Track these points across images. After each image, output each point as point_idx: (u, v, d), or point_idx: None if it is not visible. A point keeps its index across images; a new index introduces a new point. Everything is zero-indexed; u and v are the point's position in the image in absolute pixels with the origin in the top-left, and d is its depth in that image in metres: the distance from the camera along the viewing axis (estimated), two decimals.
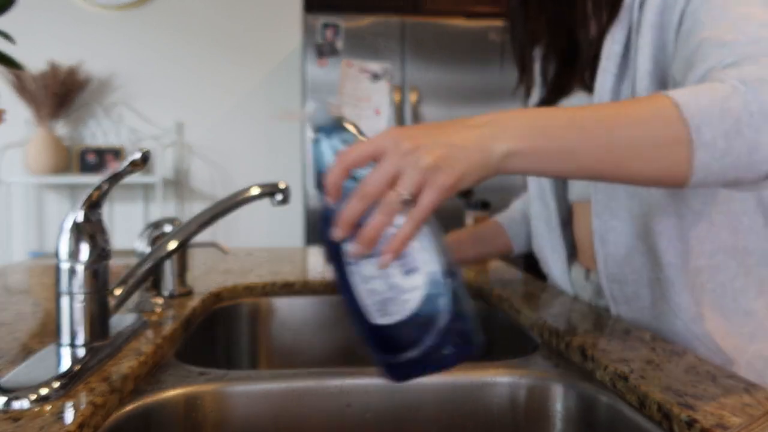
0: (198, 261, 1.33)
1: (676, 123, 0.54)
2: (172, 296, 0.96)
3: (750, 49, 0.60)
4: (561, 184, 0.96)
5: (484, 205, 1.24)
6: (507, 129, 0.54)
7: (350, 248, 0.51)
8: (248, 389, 0.65)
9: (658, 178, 0.57)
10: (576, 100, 0.87)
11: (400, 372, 0.53)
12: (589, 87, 0.82)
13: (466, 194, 0.75)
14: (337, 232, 0.50)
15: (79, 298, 0.64)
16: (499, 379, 0.68)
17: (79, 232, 0.64)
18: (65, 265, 0.64)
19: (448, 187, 0.51)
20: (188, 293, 0.98)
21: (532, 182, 1.00)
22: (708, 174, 0.55)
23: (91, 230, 0.64)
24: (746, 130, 0.54)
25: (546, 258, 1.01)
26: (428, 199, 0.50)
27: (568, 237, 0.96)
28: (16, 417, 0.49)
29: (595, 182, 0.80)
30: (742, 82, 0.56)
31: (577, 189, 0.91)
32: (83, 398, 0.53)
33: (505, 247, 1.11)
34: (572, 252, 0.97)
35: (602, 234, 0.81)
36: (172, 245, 0.74)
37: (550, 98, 0.92)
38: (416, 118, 2.93)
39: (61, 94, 3.19)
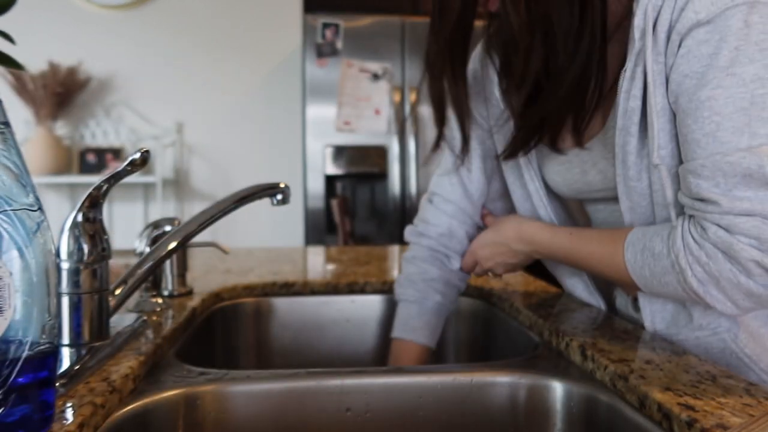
0: (198, 261, 1.33)
1: (624, 276, 0.72)
2: (172, 296, 0.96)
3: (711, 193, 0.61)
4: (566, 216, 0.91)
5: None
6: (533, 250, 0.86)
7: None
8: (248, 389, 0.65)
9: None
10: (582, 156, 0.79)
11: None
12: (577, 140, 0.75)
13: None
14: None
15: (79, 298, 0.64)
16: (499, 379, 0.68)
17: (79, 231, 0.64)
18: (65, 265, 0.64)
19: (504, 272, 0.93)
20: (188, 293, 0.98)
21: (523, 208, 0.91)
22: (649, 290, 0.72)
23: (91, 230, 0.64)
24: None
25: (564, 282, 0.96)
26: (496, 274, 0.94)
27: None
28: None
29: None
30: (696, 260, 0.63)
31: (601, 216, 0.85)
32: (83, 398, 0.53)
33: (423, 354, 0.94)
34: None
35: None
36: (172, 245, 0.74)
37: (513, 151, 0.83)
38: (416, 118, 2.93)
39: (61, 94, 3.19)
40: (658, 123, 0.65)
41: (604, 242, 0.75)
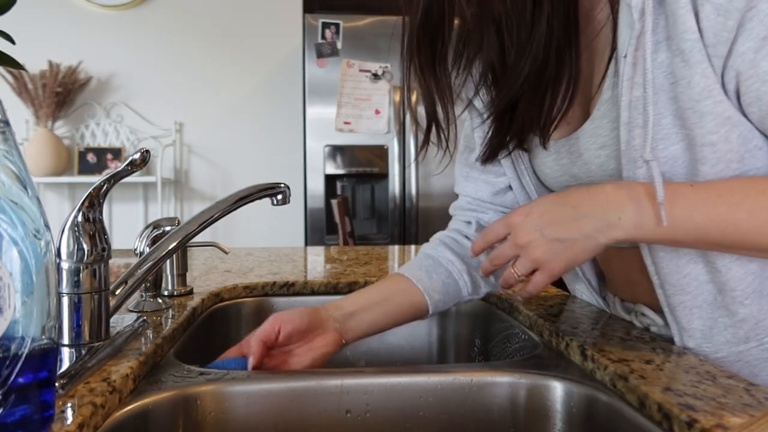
0: (198, 261, 1.33)
1: None
2: (172, 296, 0.96)
3: None
4: None
5: None
6: (622, 222, 0.59)
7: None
8: (248, 389, 0.65)
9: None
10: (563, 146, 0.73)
11: None
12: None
13: None
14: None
15: (79, 298, 0.64)
16: (499, 379, 0.68)
17: (79, 231, 0.64)
18: (65, 265, 0.64)
19: (556, 273, 0.64)
20: (188, 293, 0.98)
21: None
22: None
23: (91, 230, 0.64)
24: None
25: (568, 282, 0.94)
26: (539, 281, 0.65)
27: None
28: None
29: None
30: None
31: None
32: (83, 398, 0.53)
33: (413, 309, 0.84)
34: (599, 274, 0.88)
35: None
36: (172, 245, 0.74)
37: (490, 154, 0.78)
38: (416, 117, 2.93)
39: (60, 94, 3.19)
40: (654, 114, 0.60)
41: (756, 187, 0.57)
